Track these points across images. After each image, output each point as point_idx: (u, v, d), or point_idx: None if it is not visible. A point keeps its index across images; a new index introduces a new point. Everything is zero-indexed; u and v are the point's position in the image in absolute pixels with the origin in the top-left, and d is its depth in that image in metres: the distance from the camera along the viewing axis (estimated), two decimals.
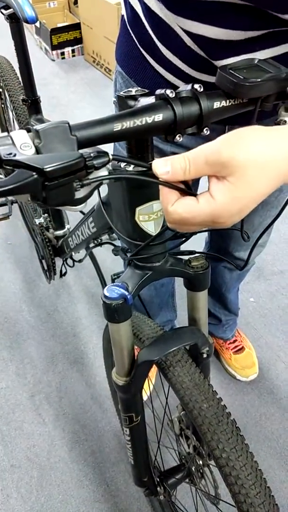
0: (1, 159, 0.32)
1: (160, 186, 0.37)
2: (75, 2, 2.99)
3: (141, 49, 0.65)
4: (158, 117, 0.40)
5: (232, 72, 0.44)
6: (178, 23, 0.55)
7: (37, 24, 2.93)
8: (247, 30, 0.52)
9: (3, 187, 0.30)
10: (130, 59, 0.69)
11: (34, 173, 0.31)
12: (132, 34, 0.66)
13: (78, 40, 3.01)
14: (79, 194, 0.35)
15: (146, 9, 0.59)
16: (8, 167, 0.32)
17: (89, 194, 0.37)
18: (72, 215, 1.36)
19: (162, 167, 0.36)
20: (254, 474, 0.50)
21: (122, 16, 0.69)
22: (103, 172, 0.36)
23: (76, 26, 2.95)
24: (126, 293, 0.58)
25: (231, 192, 0.35)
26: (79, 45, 3.04)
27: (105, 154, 0.34)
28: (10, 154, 0.32)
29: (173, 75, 0.63)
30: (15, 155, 0.32)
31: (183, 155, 0.36)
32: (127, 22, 0.67)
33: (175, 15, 0.54)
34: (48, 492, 1.14)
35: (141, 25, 0.62)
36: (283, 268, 1.69)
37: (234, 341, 1.39)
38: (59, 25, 2.99)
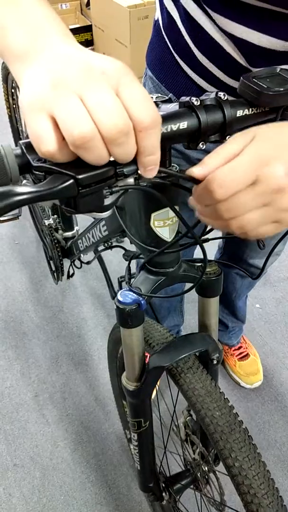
0: (32, 165, 0.32)
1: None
2: (87, 4, 3.00)
3: (175, 55, 0.65)
4: (183, 124, 0.40)
5: (256, 80, 0.44)
6: (222, 26, 0.55)
7: None
8: None
9: (42, 191, 0.31)
10: (162, 64, 0.69)
11: (71, 178, 0.31)
12: (167, 40, 0.66)
13: (90, 42, 3.02)
14: (107, 201, 0.35)
15: (185, 14, 0.59)
16: (38, 173, 0.32)
17: (116, 201, 0.37)
18: (81, 217, 1.36)
19: (196, 167, 0.37)
20: (267, 483, 0.49)
21: (156, 21, 0.69)
22: (131, 178, 0.36)
23: (88, 28, 2.96)
24: (140, 298, 0.58)
25: (258, 141, 0.37)
26: (90, 47, 3.05)
27: (134, 161, 0.34)
28: (40, 160, 0.32)
29: (207, 82, 0.64)
30: (45, 161, 0.32)
31: None
32: (161, 27, 0.67)
33: (220, 15, 0.54)
34: (50, 493, 1.14)
35: (177, 31, 0.62)
36: None
37: (239, 347, 1.39)
38: (71, 26, 3.00)
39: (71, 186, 0.32)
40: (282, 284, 1.65)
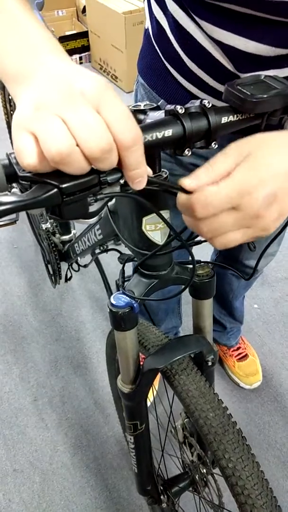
0: (18, 175, 0.33)
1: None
2: (83, 11, 3.02)
3: (165, 62, 0.67)
4: (168, 132, 0.40)
5: (240, 88, 0.44)
6: (209, 33, 0.56)
7: None
8: (277, 47, 0.53)
9: (26, 201, 0.31)
10: (153, 71, 0.70)
11: (54, 187, 0.32)
12: (157, 48, 0.67)
13: (86, 48, 3.04)
14: (92, 208, 0.36)
15: (174, 23, 0.60)
16: (24, 183, 0.33)
17: (102, 208, 0.38)
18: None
19: (188, 180, 0.39)
20: (261, 484, 0.50)
21: (146, 29, 0.70)
22: (116, 186, 0.36)
23: (84, 34, 2.98)
24: (133, 302, 0.58)
25: (247, 165, 0.38)
26: (86, 53, 3.07)
27: (118, 170, 0.34)
28: (25, 170, 0.33)
29: (197, 88, 0.65)
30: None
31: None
32: (151, 36, 0.68)
33: (206, 22, 0.55)
34: (50, 498, 1.14)
35: (167, 39, 0.63)
36: (287, 274, 1.69)
37: (238, 348, 1.39)
38: (67, 33, 3.02)
39: (55, 195, 0.32)
40: (280, 284, 1.66)
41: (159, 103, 0.71)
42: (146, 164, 0.35)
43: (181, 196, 0.39)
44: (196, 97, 0.66)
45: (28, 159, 0.31)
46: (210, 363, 0.66)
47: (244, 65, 0.57)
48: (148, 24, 0.69)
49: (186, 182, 0.38)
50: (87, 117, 0.31)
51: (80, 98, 0.31)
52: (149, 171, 0.37)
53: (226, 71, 0.59)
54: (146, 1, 0.68)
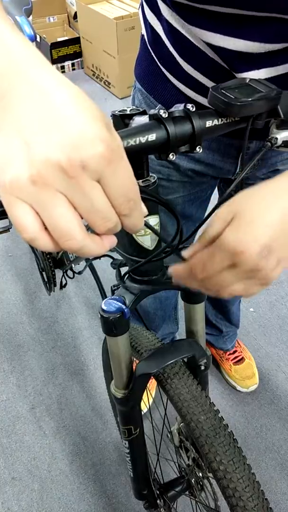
0: None
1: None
2: (75, 17, 3.04)
3: (162, 67, 0.67)
4: (152, 136, 0.41)
5: (224, 92, 0.45)
6: (199, 36, 0.57)
7: (37, 38, 2.98)
8: (266, 43, 0.53)
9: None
10: (150, 76, 0.71)
11: None
12: (153, 53, 0.68)
13: (78, 54, 3.06)
14: None
15: (168, 27, 0.61)
16: None
17: None
18: None
19: (186, 251, 0.42)
20: (252, 486, 0.50)
21: (142, 36, 0.72)
22: None
23: (76, 40, 3.00)
24: (124, 307, 0.58)
25: (236, 223, 0.38)
26: (79, 59, 3.09)
27: None
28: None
29: (194, 91, 0.65)
30: None
31: None
32: (147, 42, 0.69)
33: (195, 27, 0.56)
34: (49, 505, 1.14)
35: (162, 44, 0.64)
36: (282, 278, 1.70)
37: (234, 351, 1.40)
38: (59, 39, 3.04)
39: None
40: (275, 287, 1.66)
41: (156, 108, 0.71)
42: (142, 211, 0.33)
43: (177, 267, 0.42)
44: (194, 101, 0.67)
45: (30, 234, 0.29)
46: (203, 367, 0.67)
47: (237, 65, 0.57)
48: (143, 30, 0.70)
49: (185, 254, 0.42)
50: (93, 200, 0.29)
51: (83, 174, 0.28)
52: (145, 211, 0.35)
53: (222, 71, 0.60)
54: (140, 9, 0.69)
